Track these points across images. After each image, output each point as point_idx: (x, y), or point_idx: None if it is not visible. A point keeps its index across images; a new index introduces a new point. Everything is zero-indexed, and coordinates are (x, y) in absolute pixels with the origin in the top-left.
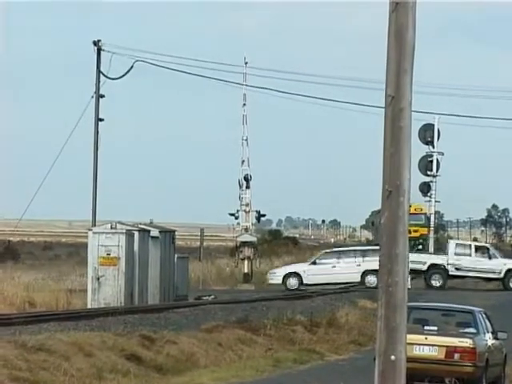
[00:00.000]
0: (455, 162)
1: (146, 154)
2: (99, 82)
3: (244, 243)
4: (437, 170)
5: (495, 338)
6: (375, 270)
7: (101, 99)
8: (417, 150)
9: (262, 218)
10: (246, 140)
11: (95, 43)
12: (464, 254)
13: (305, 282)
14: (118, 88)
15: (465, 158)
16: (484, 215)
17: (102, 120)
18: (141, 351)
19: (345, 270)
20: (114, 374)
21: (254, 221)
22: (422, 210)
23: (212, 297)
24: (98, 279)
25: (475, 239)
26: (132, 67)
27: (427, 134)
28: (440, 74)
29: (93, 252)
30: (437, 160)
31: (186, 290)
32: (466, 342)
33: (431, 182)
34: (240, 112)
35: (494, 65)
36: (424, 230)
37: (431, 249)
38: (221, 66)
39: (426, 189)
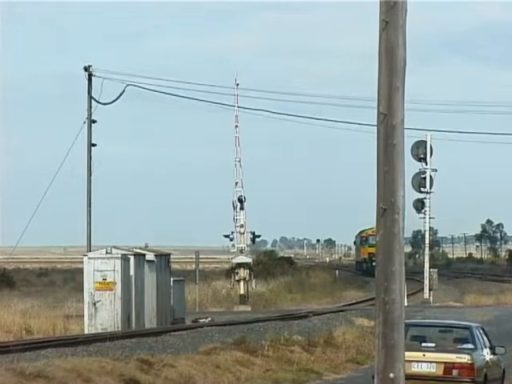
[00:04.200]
0: (449, 179)
1: (140, 178)
2: (91, 107)
3: (239, 264)
4: (430, 187)
5: (493, 353)
6: None
7: (93, 124)
8: (410, 167)
9: (257, 239)
10: (239, 161)
11: (86, 69)
12: None
13: None
14: (111, 113)
15: (458, 174)
16: (479, 230)
17: (94, 145)
18: (139, 375)
19: None
20: None
21: (249, 242)
22: None
23: (209, 319)
24: (95, 304)
25: (470, 255)
26: (123, 92)
27: (420, 150)
28: (432, 90)
29: (88, 277)
30: (430, 177)
31: (182, 313)
32: (464, 358)
33: (425, 198)
34: (232, 134)
35: (484, 81)
36: None
37: (426, 265)
38: (212, 89)
39: (419, 206)
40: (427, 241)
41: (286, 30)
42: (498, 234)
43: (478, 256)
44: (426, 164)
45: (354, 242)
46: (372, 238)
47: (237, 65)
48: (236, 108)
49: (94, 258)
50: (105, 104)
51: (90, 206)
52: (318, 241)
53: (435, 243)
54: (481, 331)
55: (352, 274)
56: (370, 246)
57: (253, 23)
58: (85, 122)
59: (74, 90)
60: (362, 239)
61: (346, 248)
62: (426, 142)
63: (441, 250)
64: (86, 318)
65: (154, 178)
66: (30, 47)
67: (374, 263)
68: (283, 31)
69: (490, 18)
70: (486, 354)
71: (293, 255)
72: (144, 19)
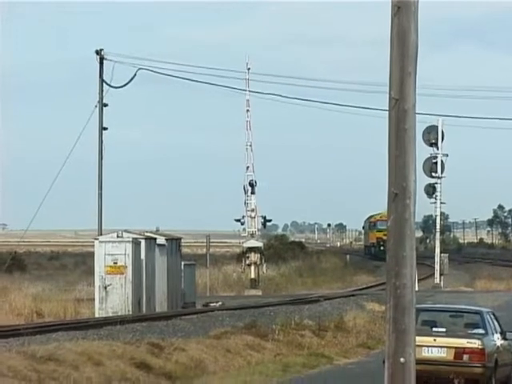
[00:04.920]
0: (460, 164)
1: (151, 162)
2: (102, 90)
3: (250, 249)
4: (441, 172)
5: (504, 338)
6: None
7: (105, 108)
8: (421, 151)
9: (268, 223)
10: (251, 146)
11: (98, 52)
12: None
13: None
14: (122, 97)
15: (470, 159)
16: (490, 216)
17: (106, 129)
18: (150, 359)
19: None
20: (123, 383)
21: (260, 226)
22: None
23: (219, 303)
24: (106, 288)
25: (481, 240)
26: (135, 75)
27: (431, 135)
28: (443, 75)
29: (99, 261)
30: (441, 161)
31: (193, 297)
32: (475, 343)
33: (436, 183)
34: (244, 118)
35: (497, 66)
36: None
37: (437, 250)
38: (223, 73)
39: (431, 191)
40: (438, 226)
41: (293, 19)
42: (510, 220)
43: (489, 241)
44: (438, 149)
45: (363, 227)
46: (380, 223)
47: (247, 53)
48: (247, 92)
49: (105, 242)
50: (116, 88)
51: (101, 190)
52: (329, 225)
53: (446, 228)
54: (492, 316)
55: (362, 259)
56: (378, 231)
57: (260, 15)
58: (96, 106)
59: (84, 76)
60: (370, 224)
61: (357, 233)
62: (437, 127)
63: (452, 235)
64: (96, 302)
65: (165, 162)
66: (31, 42)
67: (382, 248)
68: (290, 21)
69: (499, 5)
70: (497, 339)
71: (304, 240)
72: (144, 17)
